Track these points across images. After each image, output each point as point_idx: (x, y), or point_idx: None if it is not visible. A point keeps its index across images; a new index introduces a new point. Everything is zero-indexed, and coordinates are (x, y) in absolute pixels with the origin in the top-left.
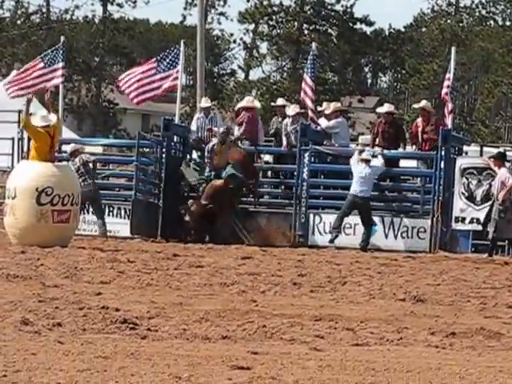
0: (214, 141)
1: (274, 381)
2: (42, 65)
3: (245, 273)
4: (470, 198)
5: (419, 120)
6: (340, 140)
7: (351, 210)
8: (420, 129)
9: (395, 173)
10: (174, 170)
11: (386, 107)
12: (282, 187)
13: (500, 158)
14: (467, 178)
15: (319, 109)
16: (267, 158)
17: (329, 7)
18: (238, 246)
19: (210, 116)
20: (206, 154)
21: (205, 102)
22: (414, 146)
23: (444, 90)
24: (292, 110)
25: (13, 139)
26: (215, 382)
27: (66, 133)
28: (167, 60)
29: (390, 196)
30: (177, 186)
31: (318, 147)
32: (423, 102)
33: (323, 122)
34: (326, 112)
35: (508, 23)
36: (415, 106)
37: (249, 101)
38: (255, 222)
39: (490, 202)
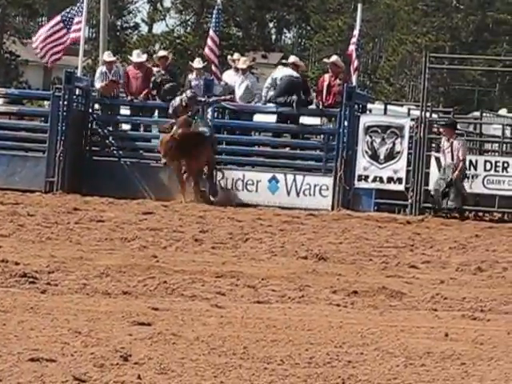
0: (178, 100)
1: (175, 337)
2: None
3: (146, 228)
4: (374, 156)
5: (327, 75)
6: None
7: None
8: (326, 83)
9: (298, 130)
10: (74, 123)
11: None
12: None
13: (451, 126)
14: (371, 136)
15: (231, 58)
16: None
17: None
18: (139, 201)
19: (113, 70)
20: (169, 111)
21: (108, 56)
22: (320, 103)
23: (351, 47)
24: (197, 63)
25: None
26: (115, 337)
27: None
28: (71, 13)
29: (292, 153)
30: (79, 140)
31: (222, 102)
32: (334, 57)
33: (232, 75)
34: (240, 66)
35: None
36: (326, 60)
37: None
38: (156, 178)
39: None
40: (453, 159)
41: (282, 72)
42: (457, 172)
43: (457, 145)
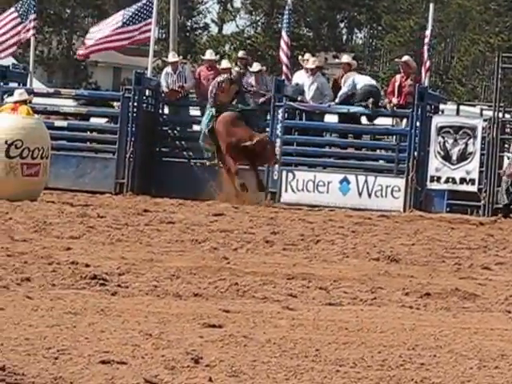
0: (222, 77)
1: (246, 339)
2: (15, 15)
3: (216, 230)
4: (446, 157)
5: (398, 76)
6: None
7: None
8: (397, 84)
9: (370, 130)
10: (144, 124)
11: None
12: None
13: None
14: (443, 137)
15: (302, 58)
16: None
17: None
18: (209, 203)
19: (178, 71)
20: (210, 88)
21: (172, 57)
22: (394, 101)
23: (425, 47)
24: (255, 66)
25: None
26: (186, 339)
27: (36, 85)
28: (136, 12)
29: (364, 154)
30: (149, 141)
31: (292, 103)
32: (405, 57)
33: (302, 76)
34: (309, 66)
35: None
36: (397, 60)
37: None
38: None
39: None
40: None
41: (363, 80)
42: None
43: None
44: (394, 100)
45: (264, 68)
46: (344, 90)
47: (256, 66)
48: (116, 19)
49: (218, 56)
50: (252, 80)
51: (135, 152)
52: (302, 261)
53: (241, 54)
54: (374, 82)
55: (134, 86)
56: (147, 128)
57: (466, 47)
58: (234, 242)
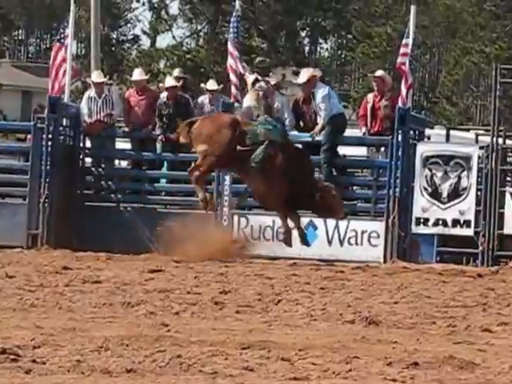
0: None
1: None
2: None
3: (154, 290)
4: (435, 194)
5: (370, 95)
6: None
7: None
8: (370, 105)
9: (340, 163)
10: (62, 161)
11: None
12: None
13: None
14: (430, 169)
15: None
16: None
17: None
18: (145, 256)
19: (103, 95)
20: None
21: (96, 77)
22: (364, 129)
23: (401, 60)
24: (211, 84)
25: None
26: None
27: None
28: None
29: None
30: (68, 181)
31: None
32: (380, 72)
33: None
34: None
35: None
36: (370, 75)
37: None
38: (165, 226)
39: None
40: None
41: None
42: None
43: None
44: (364, 129)
45: (220, 87)
46: (323, 107)
47: (212, 84)
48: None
49: (149, 75)
50: (206, 99)
51: (51, 195)
52: (260, 326)
53: (176, 72)
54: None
55: (49, 113)
56: (65, 165)
57: (457, 58)
58: (176, 305)
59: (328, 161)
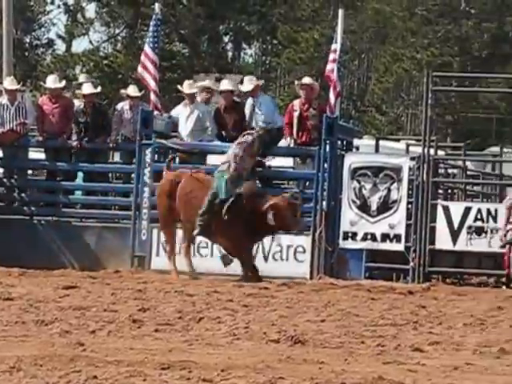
0: (250, 137)
1: None
2: None
3: (68, 307)
4: (363, 207)
5: (297, 102)
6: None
7: None
8: (297, 113)
9: (265, 174)
10: None
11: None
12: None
13: None
14: (359, 182)
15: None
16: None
17: None
18: (60, 272)
19: (16, 102)
20: (235, 151)
21: (9, 84)
22: (289, 138)
23: (329, 66)
24: (132, 90)
25: None
26: None
27: None
28: None
29: None
30: None
31: (163, 141)
32: (307, 79)
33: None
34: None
35: None
36: (297, 82)
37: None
38: (82, 241)
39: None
40: None
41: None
42: None
43: None
44: (289, 139)
45: (142, 93)
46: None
47: (134, 90)
48: None
49: (64, 82)
50: (126, 105)
51: None
52: (180, 345)
53: (82, 77)
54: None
55: None
56: None
57: (387, 65)
58: (92, 323)
59: None
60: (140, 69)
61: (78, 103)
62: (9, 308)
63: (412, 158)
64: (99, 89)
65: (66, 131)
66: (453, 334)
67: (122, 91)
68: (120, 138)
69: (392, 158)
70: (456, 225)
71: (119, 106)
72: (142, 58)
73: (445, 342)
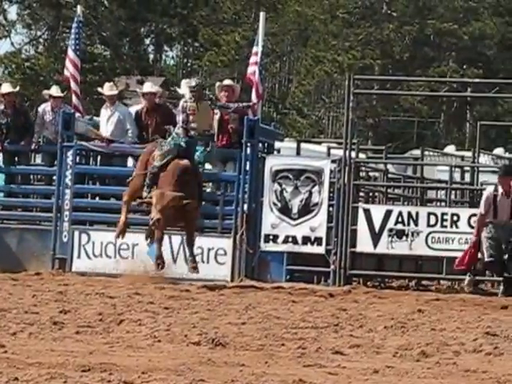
0: (186, 98)
1: None
2: None
3: None
4: (284, 209)
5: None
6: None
7: None
8: (217, 117)
9: None
10: None
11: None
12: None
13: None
14: (280, 184)
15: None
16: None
17: None
18: None
19: None
20: (178, 118)
21: None
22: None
23: (250, 69)
24: (55, 91)
25: None
26: None
27: None
28: None
29: None
30: None
31: (84, 143)
32: (228, 81)
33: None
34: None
35: None
36: (218, 84)
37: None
38: (2, 242)
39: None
40: None
41: None
42: None
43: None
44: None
45: (64, 93)
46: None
47: (56, 91)
48: None
49: None
50: (47, 107)
51: None
52: (101, 347)
53: (6, 88)
54: None
55: None
56: None
57: (308, 67)
58: (13, 325)
59: None
60: (66, 71)
61: None
62: None
63: (333, 161)
64: (18, 88)
65: None
66: (373, 337)
67: (45, 92)
68: (42, 139)
69: (313, 160)
70: (377, 228)
71: (41, 107)
72: (67, 61)
73: (365, 345)
